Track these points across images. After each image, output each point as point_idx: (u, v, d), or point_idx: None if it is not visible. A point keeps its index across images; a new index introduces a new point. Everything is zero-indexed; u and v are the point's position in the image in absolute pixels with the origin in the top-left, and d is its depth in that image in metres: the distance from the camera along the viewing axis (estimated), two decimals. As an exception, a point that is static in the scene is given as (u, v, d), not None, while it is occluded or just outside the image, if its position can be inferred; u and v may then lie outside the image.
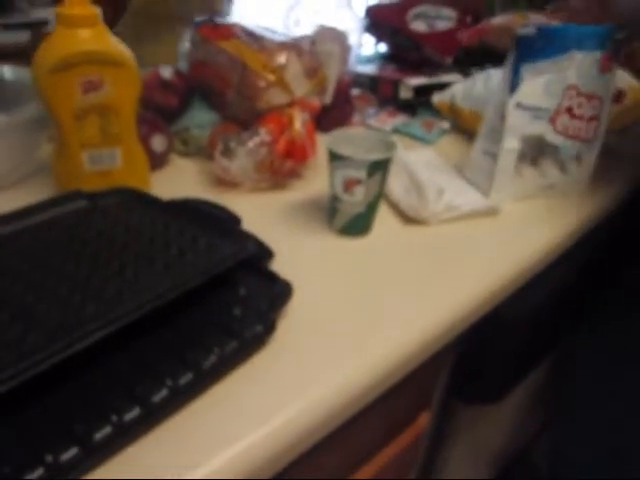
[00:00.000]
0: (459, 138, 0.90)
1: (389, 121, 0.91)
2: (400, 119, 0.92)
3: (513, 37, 0.68)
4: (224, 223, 0.56)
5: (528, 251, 0.64)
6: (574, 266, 0.76)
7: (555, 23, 0.90)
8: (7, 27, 2.10)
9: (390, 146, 0.60)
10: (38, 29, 1.72)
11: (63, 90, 0.55)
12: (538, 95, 0.68)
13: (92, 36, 0.55)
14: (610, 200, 0.79)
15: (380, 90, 0.97)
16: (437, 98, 0.93)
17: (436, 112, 0.93)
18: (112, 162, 0.61)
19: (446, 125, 0.91)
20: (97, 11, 0.55)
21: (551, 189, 0.76)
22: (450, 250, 0.61)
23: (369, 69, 1.03)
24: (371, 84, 0.99)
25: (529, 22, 0.92)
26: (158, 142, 0.70)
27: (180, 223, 0.52)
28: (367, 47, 1.18)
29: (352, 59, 0.86)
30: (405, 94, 0.94)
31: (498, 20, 0.98)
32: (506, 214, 0.70)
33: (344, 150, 0.58)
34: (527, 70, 0.67)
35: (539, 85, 0.68)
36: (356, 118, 0.91)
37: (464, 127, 0.90)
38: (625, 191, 0.83)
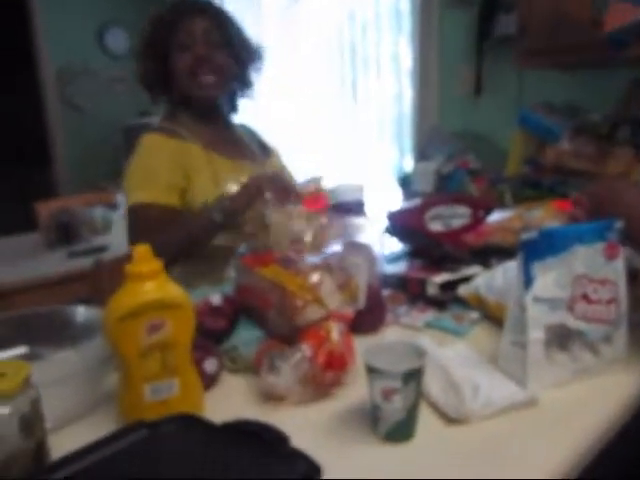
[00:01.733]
0: (490, 327, 0.95)
1: (420, 317, 0.97)
2: (431, 314, 0.98)
3: (518, 240, 0.76)
4: (274, 444, 0.60)
5: (572, 441, 0.64)
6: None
7: (552, 222, 1.00)
8: (72, 255, 2.36)
9: (421, 354, 0.65)
10: (100, 255, 1.93)
11: (130, 334, 0.64)
12: (551, 288, 0.74)
13: (155, 287, 0.65)
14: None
15: (409, 288, 1.05)
16: (463, 291, 1.00)
17: (465, 304, 0.99)
18: (171, 391, 0.68)
19: (476, 315, 0.97)
20: (159, 265, 0.66)
21: (586, 372, 0.78)
22: (493, 448, 0.63)
23: (397, 269, 1.12)
24: (400, 283, 1.07)
25: (525, 221, 1.02)
26: (210, 365, 0.77)
27: (234, 446, 0.57)
28: (393, 246, 1.29)
29: (379, 266, 0.95)
30: (432, 291, 1.01)
31: (497, 220, 1.09)
32: (545, 403, 0.72)
33: (379, 361, 0.64)
34: (537, 268, 0.74)
35: (550, 279, 0.74)
36: (389, 317, 0.98)
37: (493, 316, 0.95)
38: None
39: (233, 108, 1.49)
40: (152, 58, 1.36)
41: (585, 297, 0.76)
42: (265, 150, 1.52)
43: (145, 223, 1.24)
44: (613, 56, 1.54)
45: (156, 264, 0.65)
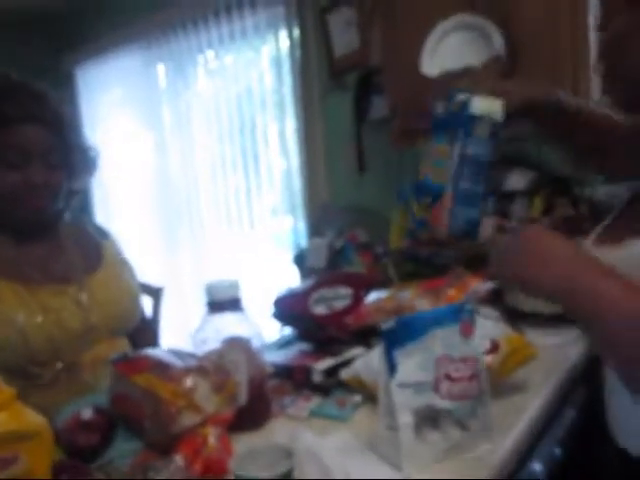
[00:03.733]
0: (372, 408, 0.97)
1: (305, 406, 0.98)
2: (315, 402, 0.99)
3: (380, 332, 0.80)
4: None
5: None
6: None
7: (421, 301, 1.06)
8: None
9: (289, 455, 0.66)
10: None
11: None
12: (415, 372, 0.78)
13: (7, 417, 0.61)
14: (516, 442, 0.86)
15: (294, 377, 1.06)
16: (345, 374, 1.02)
17: (347, 387, 1.02)
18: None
19: (358, 398, 0.99)
20: (11, 392, 0.63)
21: (458, 448, 0.81)
22: None
23: (283, 357, 1.14)
24: (286, 373, 1.08)
25: (397, 301, 1.08)
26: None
27: None
28: (278, 332, 1.31)
29: (261, 359, 0.96)
30: (317, 378, 1.03)
31: (373, 301, 1.15)
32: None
33: (250, 469, 0.64)
34: (398, 355, 0.77)
35: (413, 364, 0.78)
36: (275, 408, 0.98)
37: (373, 397, 0.98)
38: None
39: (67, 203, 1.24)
40: None
41: (448, 377, 0.81)
42: (97, 259, 1.25)
43: None
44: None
45: (7, 392, 0.62)
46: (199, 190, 2.92)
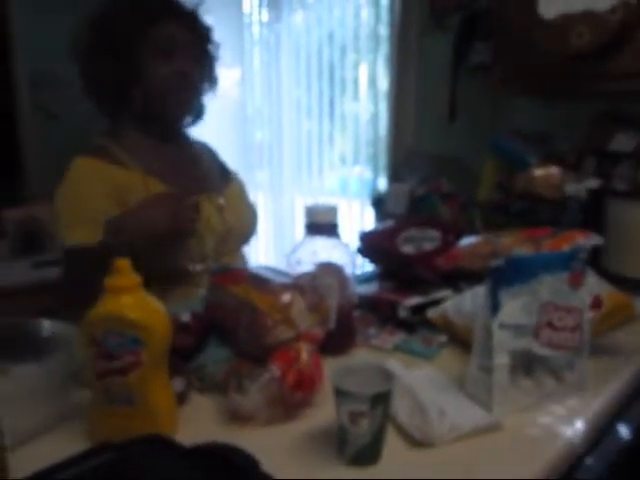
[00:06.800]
0: (458, 350, 0.96)
1: (390, 339, 0.98)
2: (400, 337, 0.99)
3: (487, 265, 0.78)
4: (244, 469, 0.59)
5: (536, 466, 0.66)
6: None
7: (520, 248, 1.02)
8: (37, 264, 2.31)
9: (389, 377, 0.66)
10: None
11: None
12: (518, 314, 0.76)
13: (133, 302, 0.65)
14: (609, 400, 0.83)
15: (380, 311, 1.06)
16: (432, 314, 1.01)
17: (433, 327, 1.00)
18: (141, 408, 0.67)
19: (444, 339, 0.98)
20: (137, 279, 0.65)
21: (550, 397, 0.79)
22: (459, 472, 0.64)
23: (368, 291, 1.13)
24: (370, 305, 1.08)
25: (493, 246, 1.04)
26: (177, 383, 0.76)
27: (203, 471, 0.56)
28: (364, 267, 1.30)
29: (350, 288, 0.96)
30: (403, 314, 1.02)
31: (467, 245, 1.11)
32: (509, 427, 0.73)
33: (347, 383, 0.64)
34: (504, 295, 0.75)
35: (517, 306, 0.76)
36: (359, 339, 0.99)
37: (460, 339, 0.96)
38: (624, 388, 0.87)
39: (198, 115, 1.32)
40: (112, 58, 1.14)
41: (550, 324, 0.78)
42: (224, 175, 1.35)
43: (82, 271, 1.07)
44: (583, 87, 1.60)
45: (134, 278, 0.65)
46: (282, 132, 2.89)
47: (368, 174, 2.60)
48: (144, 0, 1.19)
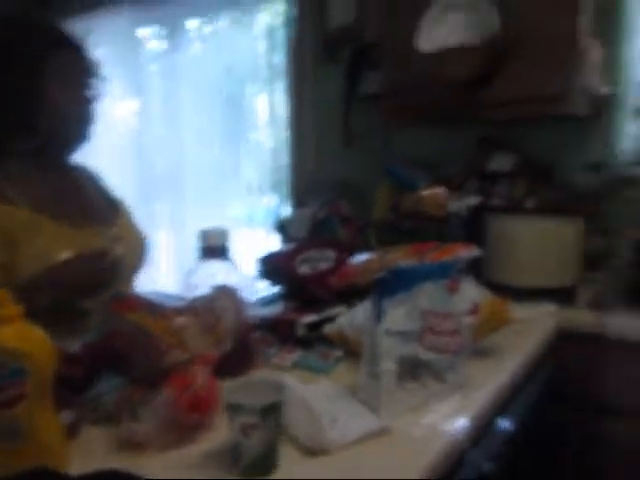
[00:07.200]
0: (353, 363, 1.00)
1: (288, 357, 1.01)
2: (299, 354, 1.02)
3: (373, 279, 0.83)
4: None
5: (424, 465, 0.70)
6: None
7: (405, 261, 1.09)
8: None
9: (280, 389, 0.68)
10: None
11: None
12: (401, 321, 0.81)
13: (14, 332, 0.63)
14: (491, 397, 0.89)
15: (279, 331, 1.09)
16: (328, 330, 1.05)
17: (330, 343, 1.04)
18: (29, 443, 0.65)
19: (340, 353, 1.02)
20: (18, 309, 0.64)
21: (434, 397, 0.85)
22: (351, 476, 0.67)
23: (271, 312, 1.16)
24: (271, 326, 1.10)
25: (383, 262, 1.11)
26: (66, 416, 0.74)
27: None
28: (265, 290, 1.33)
29: (246, 310, 0.98)
30: (301, 331, 1.06)
31: (359, 262, 1.17)
32: (398, 429, 0.77)
33: (240, 397, 0.66)
34: (388, 303, 0.80)
35: (400, 314, 0.81)
36: (260, 359, 1.01)
37: (355, 352, 1.00)
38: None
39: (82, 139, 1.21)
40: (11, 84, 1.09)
41: (431, 330, 0.84)
42: (111, 203, 1.28)
43: None
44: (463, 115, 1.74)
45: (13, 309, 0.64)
46: (184, 162, 2.86)
47: (274, 202, 2.65)
48: (34, 31, 1.15)
